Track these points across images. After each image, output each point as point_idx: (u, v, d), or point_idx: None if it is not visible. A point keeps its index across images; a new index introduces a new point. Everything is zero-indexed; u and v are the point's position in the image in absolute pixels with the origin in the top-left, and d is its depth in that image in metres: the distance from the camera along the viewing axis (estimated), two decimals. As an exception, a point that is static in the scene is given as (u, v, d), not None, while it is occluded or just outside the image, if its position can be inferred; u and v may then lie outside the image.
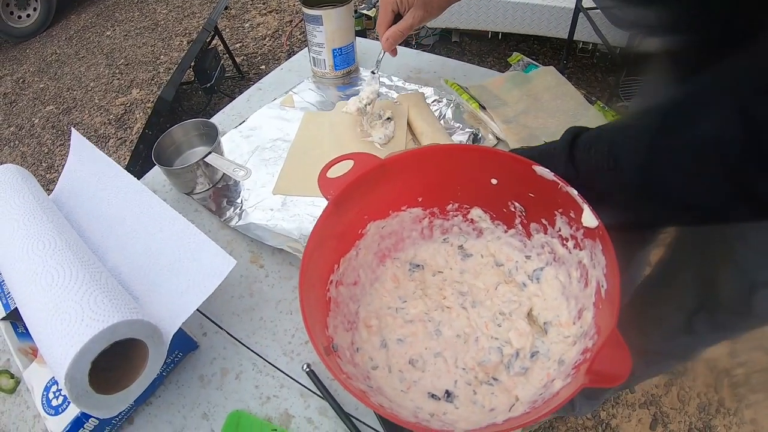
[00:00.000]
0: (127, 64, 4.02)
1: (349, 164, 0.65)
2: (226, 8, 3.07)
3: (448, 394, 0.58)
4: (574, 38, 2.54)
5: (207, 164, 0.84)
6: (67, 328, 0.51)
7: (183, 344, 0.69)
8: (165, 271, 0.66)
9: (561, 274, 0.63)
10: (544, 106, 0.96)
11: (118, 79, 3.86)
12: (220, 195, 0.89)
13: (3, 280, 0.74)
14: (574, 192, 0.55)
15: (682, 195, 0.49)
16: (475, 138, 0.92)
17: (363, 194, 0.64)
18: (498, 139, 0.92)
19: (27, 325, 0.58)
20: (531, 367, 0.58)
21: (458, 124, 0.96)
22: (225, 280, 0.62)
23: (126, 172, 0.76)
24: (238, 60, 3.56)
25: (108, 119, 3.46)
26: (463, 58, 3.24)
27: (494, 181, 0.64)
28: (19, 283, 0.60)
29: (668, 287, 1.01)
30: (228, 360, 0.71)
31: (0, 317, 0.70)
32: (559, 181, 0.56)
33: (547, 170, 0.57)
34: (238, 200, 0.87)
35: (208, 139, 0.93)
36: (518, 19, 2.66)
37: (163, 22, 4.54)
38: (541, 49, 3.20)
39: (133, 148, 3.02)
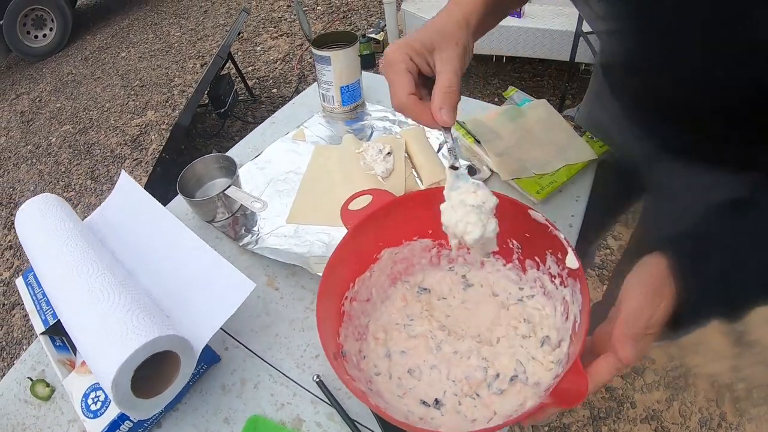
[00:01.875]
0: (142, 86, 4.13)
1: (367, 198, 0.76)
2: (239, 34, 3.17)
3: (437, 402, 0.66)
4: (576, 60, 2.64)
5: (227, 196, 0.93)
6: (113, 341, 0.60)
7: (208, 357, 0.78)
8: (193, 293, 0.76)
9: (548, 307, 0.72)
10: (536, 138, 1.05)
11: (133, 100, 3.97)
12: (238, 223, 0.98)
13: (42, 298, 0.83)
14: (561, 236, 0.64)
15: None
16: (471, 169, 1.01)
17: (379, 225, 0.75)
18: (491, 171, 1.01)
19: (73, 339, 0.67)
20: (507, 389, 0.66)
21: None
22: (244, 301, 0.72)
23: (170, 213, 0.86)
24: (250, 83, 3.65)
25: (124, 140, 3.55)
26: (470, 81, 3.34)
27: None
28: (66, 302, 0.70)
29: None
30: (247, 371, 0.80)
31: (40, 332, 0.79)
32: (549, 225, 0.66)
33: (540, 214, 0.67)
34: (255, 228, 0.97)
35: (227, 172, 1.03)
36: (521, 43, 2.76)
37: (176, 44, 4.65)
38: (546, 69, 3.29)
39: (149, 170, 3.13)
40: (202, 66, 4.22)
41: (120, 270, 0.76)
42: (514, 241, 0.74)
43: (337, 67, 1.12)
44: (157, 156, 2.43)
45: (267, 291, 0.89)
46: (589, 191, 0.97)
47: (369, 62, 3.61)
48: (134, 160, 3.37)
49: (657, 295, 0.53)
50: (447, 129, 0.63)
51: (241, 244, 0.94)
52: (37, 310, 0.81)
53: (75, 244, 0.76)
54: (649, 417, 1.76)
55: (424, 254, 0.81)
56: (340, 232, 0.91)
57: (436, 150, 1.06)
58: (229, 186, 0.92)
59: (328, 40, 1.16)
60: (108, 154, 3.48)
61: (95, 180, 3.29)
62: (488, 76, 3.36)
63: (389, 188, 0.95)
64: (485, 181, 1.00)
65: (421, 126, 1.12)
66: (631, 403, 1.80)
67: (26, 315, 2.58)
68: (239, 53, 4.20)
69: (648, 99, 0.80)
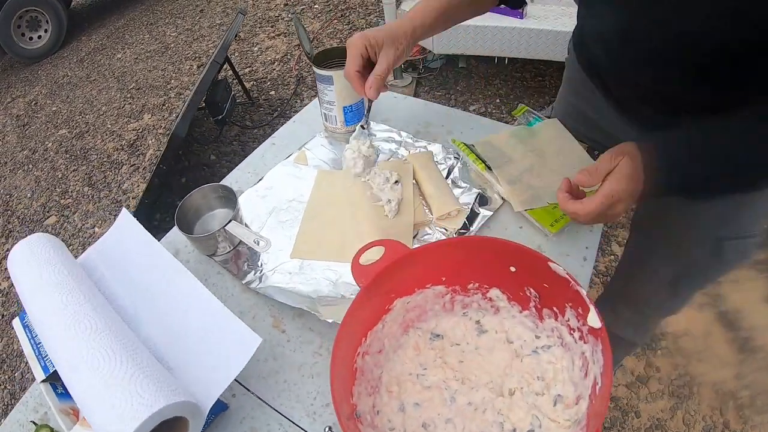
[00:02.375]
0: (138, 89, 4.09)
1: (380, 250, 0.73)
2: (236, 36, 3.13)
3: (453, 457, 0.63)
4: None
5: (227, 231, 0.89)
6: (118, 413, 0.57)
7: (216, 407, 0.74)
8: (198, 345, 0.73)
9: (566, 359, 0.68)
10: (548, 163, 1.01)
11: (130, 103, 3.93)
12: (241, 258, 0.94)
13: (41, 343, 0.79)
14: (583, 292, 0.61)
15: None
16: (482, 198, 0.97)
17: (392, 278, 0.72)
18: (503, 199, 0.97)
19: (75, 401, 0.64)
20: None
21: (466, 184, 1.00)
22: None
23: (167, 252, 0.82)
24: (247, 85, 3.61)
25: (120, 145, 3.51)
26: (471, 81, 3.29)
27: (513, 269, 0.71)
28: (65, 363, 0.66)
29: (643, 268, 1.21)
30: (256, 419, 0.76)
31: (40, 379, 0.75)
32: (570, 279, 0.62)
33: (561, 268, 0.64)
34: (258, 263, 0.92)
35: (227, 201, 0.99)
36: (524, 44, 2.70)
37: (173, 45, 4.61)
38: (548, 69, 3.25)
39: (147, 176, 3.09)
40: (198, 67, 4.18)
41: (119, 323, 0.72)
42: (532, 290, 0.71)
43: (339, 86, 1.07)
44: (155, 166, 2.38)
45: (273, 333, 0.85)
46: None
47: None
48: (131, 166, 3.33)
49: (632, 180, 0.70)
50: (370, 102, 1.02)
51: (244, 282, 0.90)
52: (36, 356, 0.77)
53: (71, 296, 0.72)
54: (653, 426, 1.75)
55: (437, 300, 0.77)
56: (346, 269, 0.87)
57: (445, 176, 1.02)
58: (229, 221, 0.88)
59: (329, 57, 1.12)
60: (105, 159, 3.44)
61: (92, 186, 3.25)
62: (489, 76, 3.32)
63: (398, 222, 0.91)
64: (496, 211, 0.96)
65: (428, 149, 1.10)
66: (635, 412, 1.79)
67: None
68: (236, 54, 4.15)
69: (619, 73, 0.93)
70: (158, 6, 5.47)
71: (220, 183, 0.99)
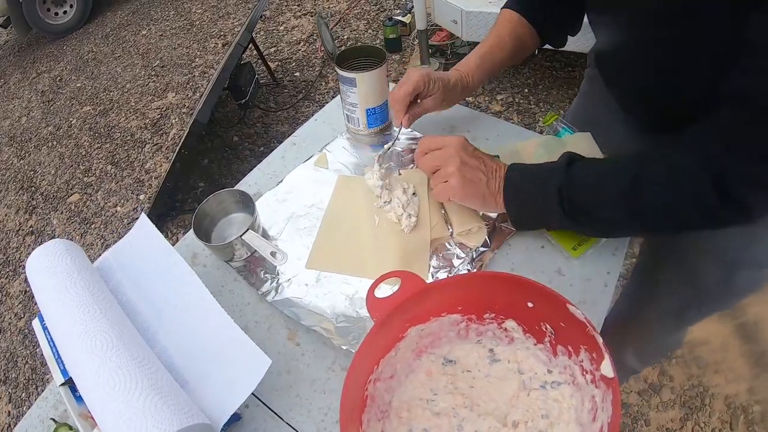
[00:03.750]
0: (162, 66, 4.09)
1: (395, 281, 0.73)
2: (261, 17, 3.10)
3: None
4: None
5: (244, 241, 0.87)
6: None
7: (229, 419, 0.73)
8: (211, 360, 0.73)
9: (576, 398, 0.66)
10: None
11: (154, 81, 3.93)
12: (258, 265, 0.93)
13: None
14: (599, 339, 0.59)
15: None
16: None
17: (407, 311, 0.71)
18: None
19: (95, 419, 0.64)
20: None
21: None
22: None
23: (183, 261, 0.81)
24: (272, 66, 3.58)
25: (144, 123, 3.53)
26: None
27: (530, 305, 0.69)
28: (82, 376, 0.67)
29: (651, 293, 1.19)
30: (268, 432, 0.76)
31: (60, 383, 0.75)
32: (587, 324, 0.60)
33: (579, 311, 0.62)
34: (275, 272, 0.91)
35: (244, 206, 0.97)
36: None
37: (198, 22, 4.59)
38: (578, 60, 3.17)
39: (169, 156, 3.09)
40: (223, 46, 4.16)
41: (135, 337, 0.73)
42: (548, 326, 0.70)
43: (363, 89, 1.05)
44: (177, 147, 2.38)
45: (288, 346, 0.84)
46: (627, 244, 0.90)
47: (395, 46, 3.50)
48: (154, 145, 3.34)
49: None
50: (397, 129, 1.02)
51: (260, 292, 0.89)
52: (56, 358, 0.77)
53: (87, 310, 0.72)
54: (662, 436, 1.73)
55: (452, 328, 0.76)
56: (363, 285, 0.87)
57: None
58: (246, 230, 0.87)
59: (351, 56, 1.09)
60: (128, 137, 3.46)
61: (116, 165, 3.28)
62: (518, 65, 3.25)
63: (415, 239, 0.90)
64: (515, 233, 0.93)
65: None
66: (645, 420, 1.78)
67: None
68: (261, 33, 4.12)
69: (629, 87, 0.96)
70: (184, -19, 5.44)
71: (237, 188, 0.97)
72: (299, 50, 3.87)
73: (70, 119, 3.80)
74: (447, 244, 0.91)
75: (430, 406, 0.70)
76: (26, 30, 4.64)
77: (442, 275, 0.87)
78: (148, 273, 0.86)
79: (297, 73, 3.64)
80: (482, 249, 0.89)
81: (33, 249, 2.71)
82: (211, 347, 0.74)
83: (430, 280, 0.86)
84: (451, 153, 0.83)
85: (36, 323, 0.82)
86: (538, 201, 0.79)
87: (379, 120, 1.11)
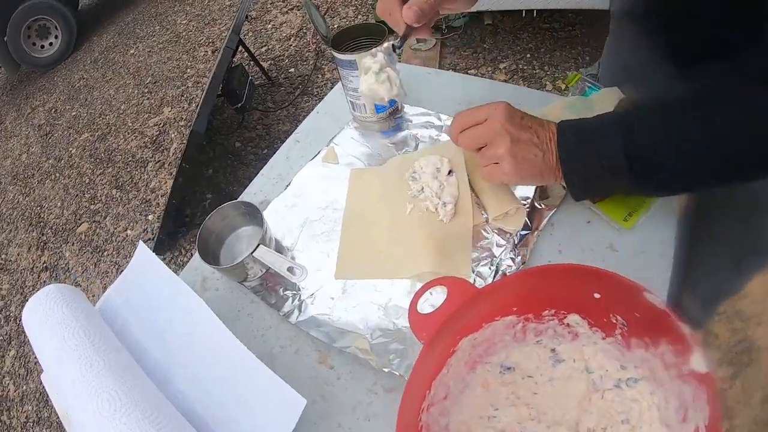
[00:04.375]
0: (155, 82, 4.01)
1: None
2: (247, 17, 2.99)
3: None
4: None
5: (256, 258, 0.77)
6: None
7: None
8: (237, 403, 0.64)
9: (657, 396, 0.56)
10: None
11: (148, 98, 3.86)
12: (275, 282, 0.82)
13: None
14: (685, 329, 0.48)
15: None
16: (542, 190, 0.83)
17: (457, 323, 0.60)
18: (565, 188, 0.83)
19: None
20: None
21: None
22: (294, 381, 0.61)
23: (191, 291, 0.72)
24: (265, 65, 3.49)
25: (144, 142, 3.45)
26: (497, 37, 3.11)
27: (597, 296, 0.58)
28: None
29: (703, 244, 0.99)
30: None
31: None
32: (670, 313, 0.49)
33: (658, 299, 0.51)
34: (296, 287, 0.81)
35: (252, 218, 0.87)
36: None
37: (184, 33, 4.50)
38: (577, 18, 3.04)
39: (173, 172, 3.02)
40: (213, 53, 4.06)
41: (146, 389, 0.63)
42: (619, 317, 0.59)
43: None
44: (179, 162, 2.30)
45: (320, 370, 0.74)
46: (677, 202, 0.79)
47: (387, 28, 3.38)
48: (157, 163, 3.27)
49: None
50: (408, 28, 0.77)
51: (281, 313, 0.79)
52: (67, 415, 0.68)
53: (89, 364, 0.63)
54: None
55: (508, 331, 0.65)
56: (396, 290, 0.76)
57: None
58: (257, 246, 0.77)
59: (348, 38, 0.98)
60: (129, 159, 3.39)
61: (120, 188, 3.21)
62: (516, 30, 3.12)
63: (455, 228, 0.79)
64: (560, 204, 0.82)
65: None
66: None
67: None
68: (249, 34, 4.01)
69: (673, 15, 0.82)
70: (165, -5, 5.35)
71: (241, 200, 0.87)
72: (290, 46, 3.76)
73: (70, 149, 3.73)
74: (483, 231, 0.81)
75: (492, 424, 0.60)
76: (15, 67, 4.58)
77: (484, 268, 0.76)
78: (154, 308, 0.77)
79: (291, 69, 3.53)
80: (523, 232, 0.79)
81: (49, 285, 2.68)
82: (234, 388, 0.64)
83: (472, 275, 0.76)
84: (496, 129, 0.70)
85: (44, 377, 0.73)
86: (603, 169, 0.66)
87: (388, 103, 1.00)
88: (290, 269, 0.75)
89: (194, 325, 0.71)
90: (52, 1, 4.51)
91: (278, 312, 0.79)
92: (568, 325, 0.64)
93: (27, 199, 3.49)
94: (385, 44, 0.88)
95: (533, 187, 0.83)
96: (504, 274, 0.74)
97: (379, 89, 0.85)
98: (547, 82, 2.79)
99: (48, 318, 0.70)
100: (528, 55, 2.97)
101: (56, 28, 4.68)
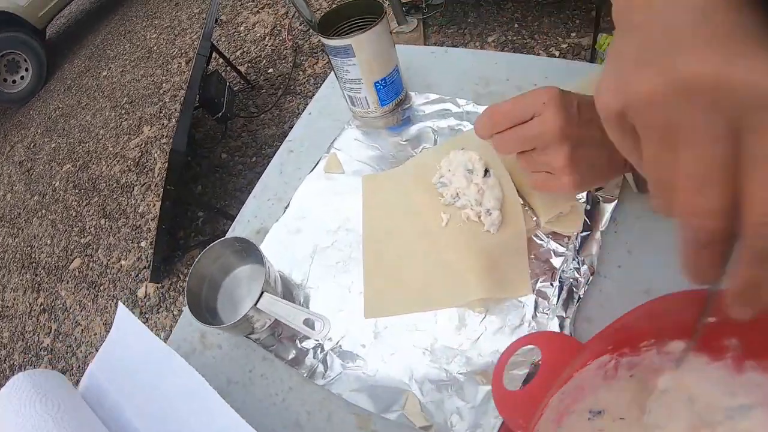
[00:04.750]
0: (131, 102, 3.89)
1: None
2: (216, 21, 2.83)
3: None
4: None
5: (260, 310, 0.62)
6: None
7: None
8: None
9: None
10: None
11: (126, 119, 3.74)
12: (289, 330, 0.67)
13: None
14: None
15: None
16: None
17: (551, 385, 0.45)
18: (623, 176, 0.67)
19: None
20: None
21: None
22: None
23: (183, 362, 0.57)
24: (242, 69, 3.35)
25: (127, 166, 3.34)
26: (481, 10, 2.96)
27: (710, 320, 0.43)
28: None
29: None
30: None
31: None
32: None
33: None
34: (317, 336, 0.65)
35: (247, 255, 0.71)
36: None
37: (155, 47, 4.37)
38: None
39: (160, 192, 2.88)
40: (187, 63, 3.91)
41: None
42: (733, 339, 0.44)
43: (363, 56, 0.78)
44: (163, 186, 2.16)
45: (361, 440, 0.59)
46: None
47: None
48: (142, 186, 3.14)
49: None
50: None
51: (303, 372, 0.63)
52: None
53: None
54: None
55: (598, 372, 0.50)
56: (440, 323, 0.61)
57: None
58: (261, 295, 0.61)
59: (338, 20, 0.82)
60: (114, 185, 3.27)
61: (108, 217, 3.09)
62: (500, 1, 2.95)
63: (505, 238, 0.63)
64: (620, 195, 0.66)
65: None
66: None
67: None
68: (222, 39, 3.86)
69: None
70: (131, 12, 5.21)
71: (231, 237, 0.71)
72: (266, 45, 3.59)
73: (53, 183, 3.61)
74: (535, 238, 0.65)
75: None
76: (-12, 107, 4.50)
77: (545, 285, 0.60)
78: (146, 386, 0.62)
79: (270, 70, 3.37)
80: (583, 234, 0.63)
81: (49, 327, 2.55)
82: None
83: (532, 296, 0.60)
84: (550, 132, 0.52)
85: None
86: None
87: (393, 93, 0.84)
88: (307, 322, 0.59)
89: (187, 398, 0.56)
90: (18, 35, 4.41)
91: (298, 371, 0.63)
92: (667, 352, 0.49)
93: (16, 240, 3.38)
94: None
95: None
96: (571, 289, 0.59)
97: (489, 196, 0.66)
98: (540, 51, 2.63)
99: (16, 421, 0.55)
100: (516, 26, 2.80)
101: (25, 60, 4.59)
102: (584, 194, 0.66)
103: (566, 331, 0.56)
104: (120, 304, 0.67)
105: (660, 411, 0.49)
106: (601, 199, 0.65)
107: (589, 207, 0.64)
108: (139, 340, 0.63)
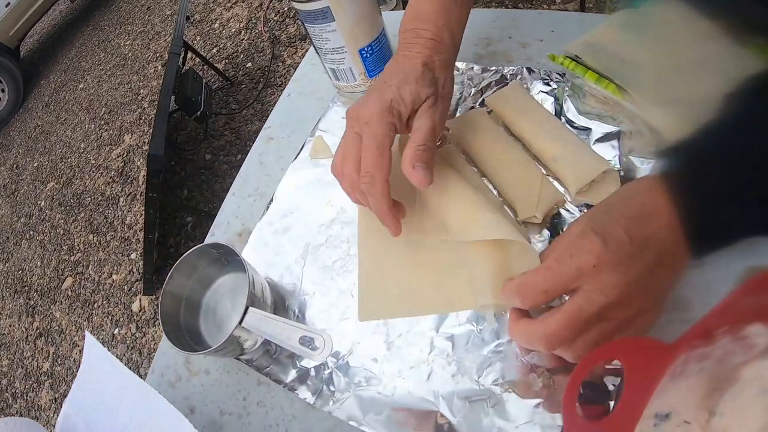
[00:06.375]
0: (110, 111, 3.80)
1: None
2: (188, 18, 2.71)
3: None
4: None
5: (247, 330, 0.51)
6: None
7: None
8: None
9: None
10: (684, 58, 0.59)
11: (106, 130, 3.65)
12: (285, 351, 0.56)
13: None
14: None
15: None
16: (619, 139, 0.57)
17: None
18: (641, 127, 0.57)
19: None
20: None
21: (586, 122, 0.60)
22: None
23: (158, 396, 0.48)
24: (220, 66, 3.26)
25: (111, 177, 3.25)
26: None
27: None
28: None
29: None
30: None
31: None
32: None
33: None
34: (316, 353, 0.54)
35: (228, 263, 0.61)
36: None
37: (130, 54, 4.27)
38: None
39: (144, 201, 2.81)
40: (163, 66, 3.80)
41: None
42: None
43: (345, 21, 0.67)
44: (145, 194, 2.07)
45: (383, 476, 0.48)
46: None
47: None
48: (128, 196, 3.05)
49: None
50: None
51: (304, 397, 0.53)
52: None
53: None
54: None
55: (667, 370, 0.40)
56: (462, 329, 0.51)
57: (553, 112, 0.62)
58: (246, 311, 0.51)
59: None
60: (100, 198, 3.18)
61: (96, 232, 3.01)
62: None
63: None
64: (631, 153, 0.55)
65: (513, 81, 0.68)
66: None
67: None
68: (197, 38, 3.74)
69: None
70: (103, 21, 5.07)
71: (208, 243, 0.60)
72: (243, 40, 3.48)
73: (39, 202, 3.52)
74: (565, 212, 0.55)
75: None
76: (-33, 132, 4.42)
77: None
78: (123, 425, 0.52)
79: (249, 64, 3.26)
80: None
81: (47, 351, 2.48)
82: None
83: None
84: (603, 307, 0.40)
85: None
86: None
87: (381, 61, 0.73)
88: (304, 340, 0.48)
89: None
90: (-8, 57, 4.28)
91: (299, 395, 0.53)
92: (744, 337, 0.40)
93: (7, 265, 3.29)
94: None
95: (616, 140, 0.57)
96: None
97: None
98: (542, 4, 2.50)
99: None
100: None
101: (1, 82, 4.47)
102: (616, 157, 0.56)
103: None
104: (87, 334, 0.57)
105: (733, 409, 0.40)
106: (634, 159, 0.55)
107: (623, 173, 0.54)
108: (112, 375, 0.53)
